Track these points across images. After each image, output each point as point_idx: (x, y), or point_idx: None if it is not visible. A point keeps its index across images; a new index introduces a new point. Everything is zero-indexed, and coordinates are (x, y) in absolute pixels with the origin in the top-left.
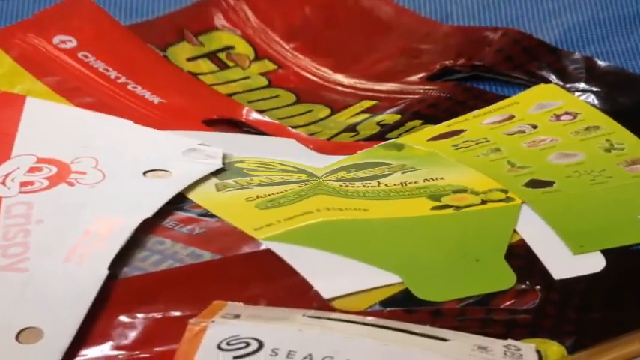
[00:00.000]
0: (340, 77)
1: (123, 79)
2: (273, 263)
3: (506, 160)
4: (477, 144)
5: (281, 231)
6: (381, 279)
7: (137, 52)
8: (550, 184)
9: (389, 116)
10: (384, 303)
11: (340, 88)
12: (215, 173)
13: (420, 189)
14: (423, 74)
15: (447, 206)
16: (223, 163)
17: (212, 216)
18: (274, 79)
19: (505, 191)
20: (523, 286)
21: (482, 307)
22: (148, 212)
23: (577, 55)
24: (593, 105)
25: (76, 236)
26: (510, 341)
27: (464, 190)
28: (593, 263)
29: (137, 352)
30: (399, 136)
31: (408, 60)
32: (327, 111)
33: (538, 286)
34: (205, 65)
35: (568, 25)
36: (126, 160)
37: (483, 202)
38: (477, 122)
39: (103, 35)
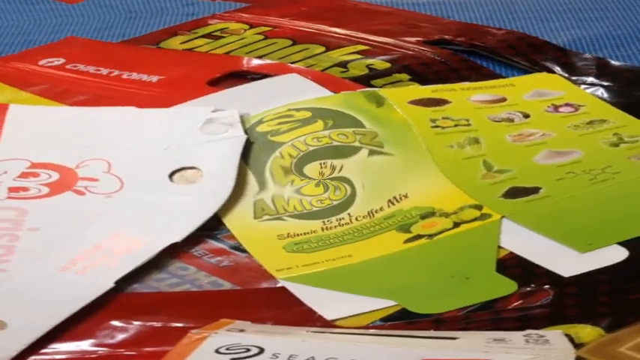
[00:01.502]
0: (337, 29)
1: (116, 73)
2: (284, 297)
3: (483, 159)
4: (456, 125)
5: (297, 274)
6: (379, 304)
7: (127, 51)
8: (535, 190)
9: (379, 62)
10: (385, 319)
11: (336, 35)
12: (245, 156)
13: (388, 219)
14: (420, 38)
15: (419, 236)
16: (246, 132)
17: (243, 250)
18: (270, 34)
19: (479, 207)
20: (528, 289)
21: (488, 310)
22: (177, 236)
23: (588, 55)
24: (602, 99)
25: (80, 249)
26: (530, 331)
27: (432, 214)
28: (611, 256)
29: (121, 350)
30: (383, 86)
31: (407, 28)
32: (322, 49)
33: (546, 286)
34: (199, 42)
35: (577, 36)
36: (143, 158)
37: (456, 225)
38: (465, 96)
39: (91, 50)
